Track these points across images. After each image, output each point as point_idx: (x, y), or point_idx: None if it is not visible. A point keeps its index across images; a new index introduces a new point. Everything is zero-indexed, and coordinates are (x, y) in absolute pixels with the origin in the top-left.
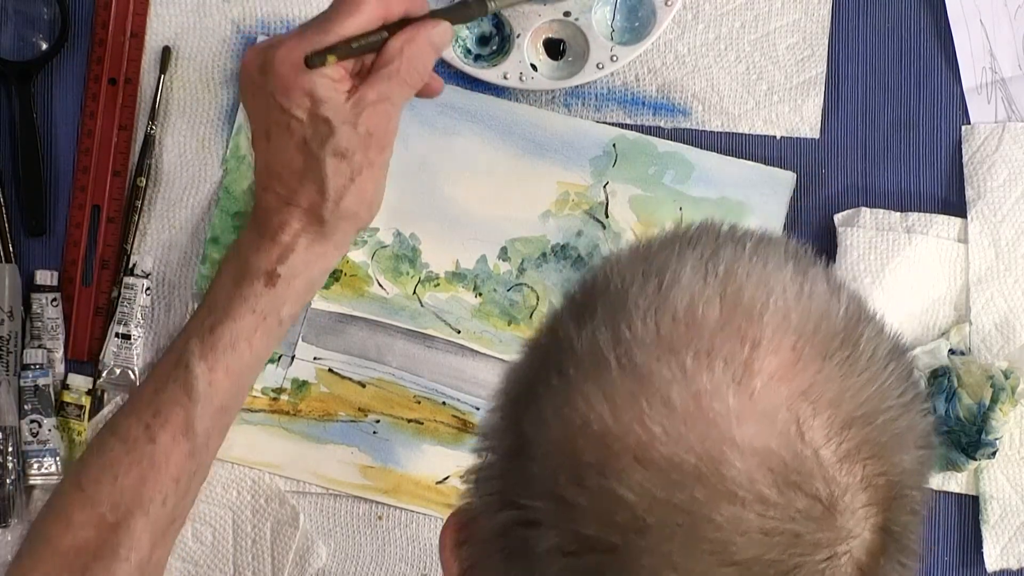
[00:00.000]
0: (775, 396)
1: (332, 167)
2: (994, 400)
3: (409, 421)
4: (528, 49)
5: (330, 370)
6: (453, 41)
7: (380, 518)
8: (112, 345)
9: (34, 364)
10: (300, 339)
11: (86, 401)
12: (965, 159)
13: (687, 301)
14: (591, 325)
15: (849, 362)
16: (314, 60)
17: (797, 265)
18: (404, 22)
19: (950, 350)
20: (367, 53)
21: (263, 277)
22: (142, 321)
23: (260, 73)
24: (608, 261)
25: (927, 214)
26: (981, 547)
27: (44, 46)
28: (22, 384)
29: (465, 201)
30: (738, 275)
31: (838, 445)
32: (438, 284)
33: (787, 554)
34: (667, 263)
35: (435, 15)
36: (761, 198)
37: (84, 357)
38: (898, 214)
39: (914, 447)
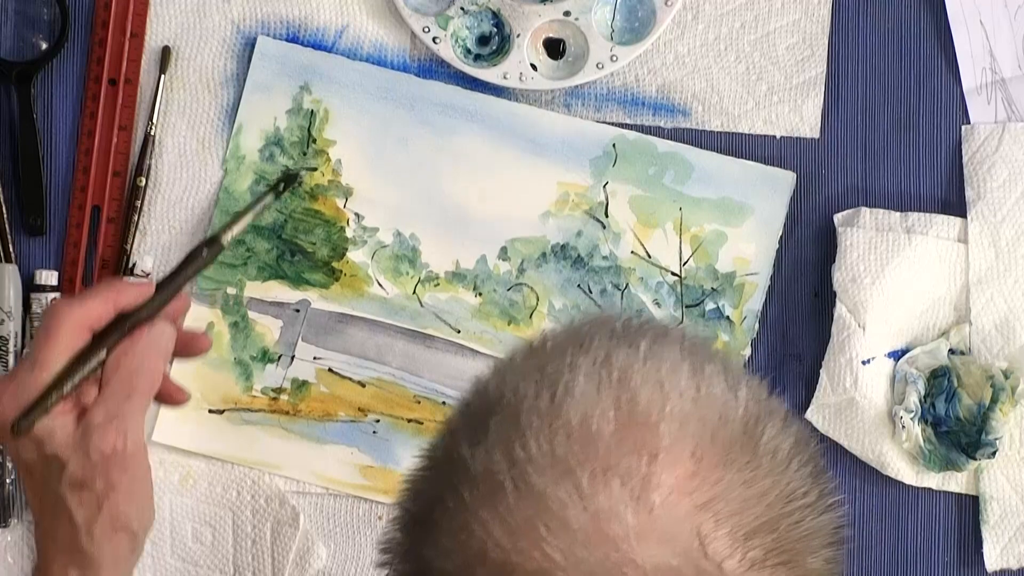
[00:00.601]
0: (675, 511)
1: (74, 501)
2: (994, 400)
3: (409, 421)
4: (528, 49)
5: (330, 370)
6: (454, 42)
7: (380, 518)
8: None
9: None
10: (300, 339)
11: None
12: (965, 159)
13: (581, 415)
14: (484, 445)
15: (751, 468)
16: (21, 426)
17: (694, 363)
18: (120, 321)
19: (950, 350)
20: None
21: None
22: None
23: None
24: (500, 367)
25: (927, 214)
26: (981, 547)
27: (44, 46)
28: None
29: (465, 201)
30: (633, 382)
31: (743, 555)
32: (438, 284)
33: None
34: (560, 372)
35: (160, 288)
36: (761, 198)
37: None
38: (898, 214)
39: (823, 547)
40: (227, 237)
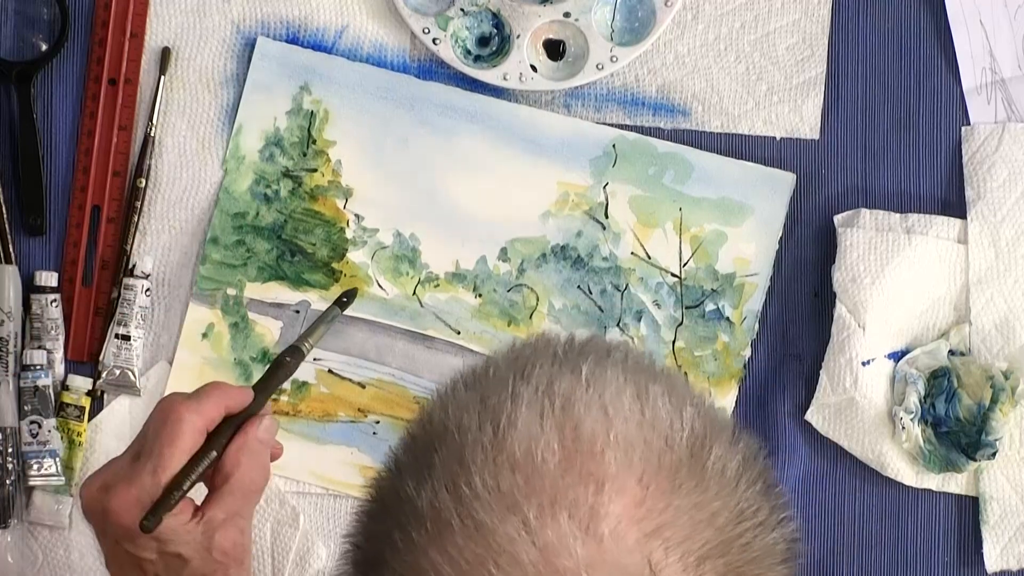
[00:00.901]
0: (625, 541)
1: None
2: (994, 401)
3: (409, 422)
4: (528, 50)
5: (330, 371)
6: (454, 42)
7: None
8: (112, 346)
9: (34, 365)
10: None
11: (86, 402)
12: (965, 159)
13: (525, 447)
14: (431, 483)
15: (699, 491)
16: (148, 524)
17: (637, 384)
18: (226, 422)
19: (950, 351)
20: (202, 479)
21: None
22: (142, 322)
23: (101, 519)
24: (443, 398)
25: (927, 215)
26: (981, 547)
27: (44, 46)
28: (22, 385)
29: (465, 201)
30: (576, 409)
31: None
32: (438, 285)
33: None
34: (502, 403)
35: (257, 391)
36: (761, 199)
37: (84, 358)
38: (898, 215)
39: (776, 564)
40: (307, 345)
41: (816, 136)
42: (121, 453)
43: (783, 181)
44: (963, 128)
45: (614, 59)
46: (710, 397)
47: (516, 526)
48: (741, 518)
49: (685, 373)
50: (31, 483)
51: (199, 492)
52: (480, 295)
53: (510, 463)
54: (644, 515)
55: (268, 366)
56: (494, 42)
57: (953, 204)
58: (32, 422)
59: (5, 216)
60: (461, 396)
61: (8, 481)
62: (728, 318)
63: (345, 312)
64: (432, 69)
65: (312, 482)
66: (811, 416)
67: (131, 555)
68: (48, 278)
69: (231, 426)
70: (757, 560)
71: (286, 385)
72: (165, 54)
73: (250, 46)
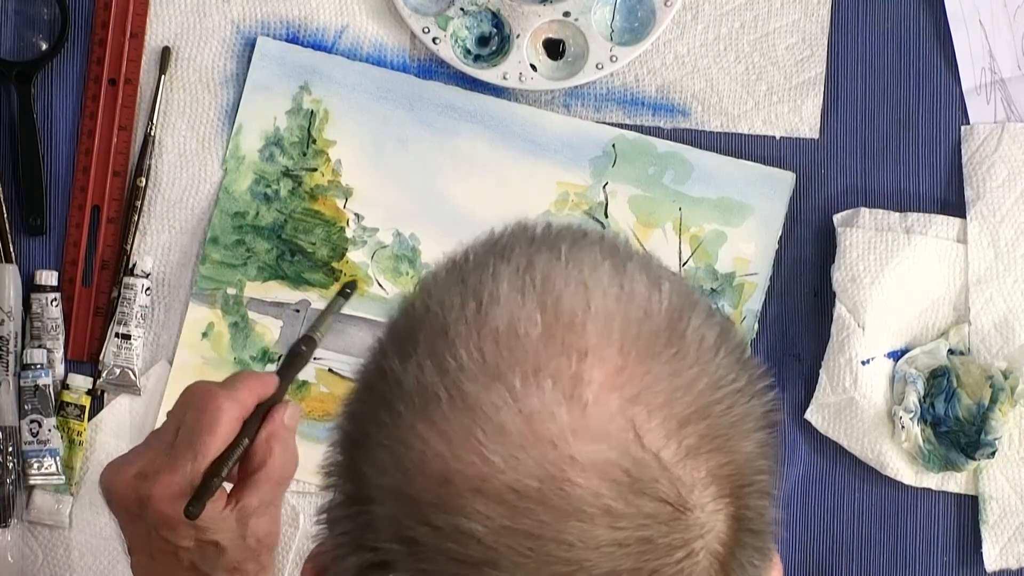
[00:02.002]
0: (608, 406)
1: None
2: (993, 400)
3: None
4: (528, 49)
5: (330, 370)
6: (454, 42)
7: None
8: (112, 345)
9: (34, 364)
10: None
11: (86, 401)
12: (964, 159)
13: (507, 320)
14: (415, 358)
15: (677, 358)
16: (194, 510)
17: (614, 262)
18: (255, 410)
19: (949, 350)
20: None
21: None
22: (142, 321)
23: (138, 507)
24: (425, 284)
25: (926, 214)
26: (980, 547)
27: (44, 46)
28: (22, 384)
29: (465, 201)
30: (556, 285)
31: (679, 444)
32: None
33: (643, 560)
34: (483, 282)
35: (281, 376)
36: (760, 198)
37: (84, 357)
38: (897, 214)
39: (754, 431)
40: (318, 335)
41: (816, 136)
42: (146, 441)
43: (783, 181)
44: (962, 128)
45: (614, 59)
46: (684, 278)
47: (501, 394)
48: (719, 385)
49: None
50: (31, 482)
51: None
52: None
53: (493, 336)
54: (625, 381)
55: (283, 356)
56: (494, 42)
57: (952, 204)
58: (32, 421)
59: (5, 216)
60: (441, 280)
61: (8, 480)
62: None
63: (345, 312)
64: (432, 69)
65: (312, 482)
66: (811, 415)
67: (167, 543)
68: (48, 277)
69: (259, 414)
70: (736, 424)
71: None
72: (165, 54)
73: (250, 46)
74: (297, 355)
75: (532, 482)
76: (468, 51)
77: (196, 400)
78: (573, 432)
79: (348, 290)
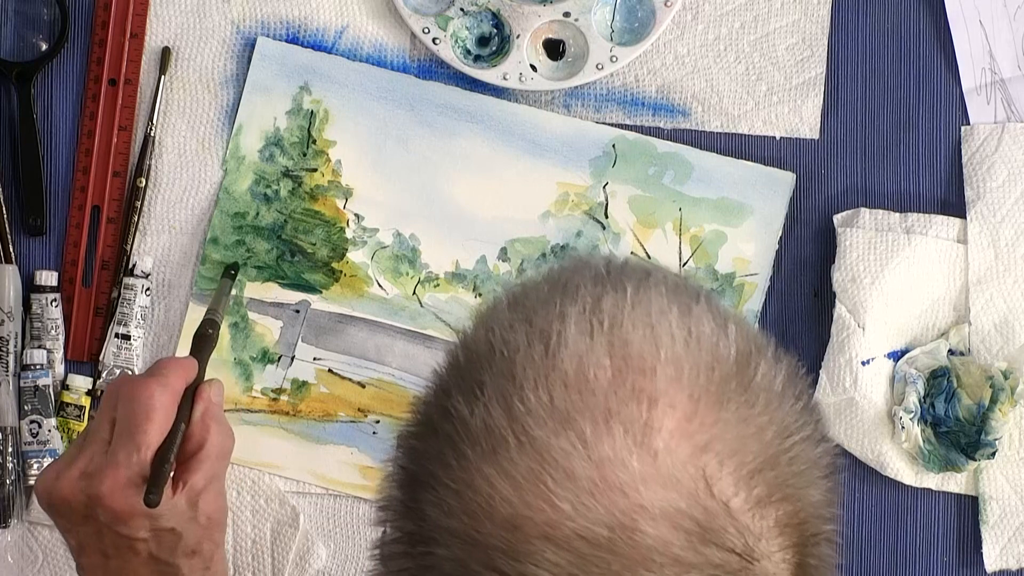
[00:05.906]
0: (678, 454)
1: (187, 567)
2: (993, 401)
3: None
4: (528, 50)
5: (330, 370)
6: (454, 42)
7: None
8: (112, 345)
9: (34, 364)
10: (300, 340)
11: (86, 401)
12: (964, 160)
13: (576, 364)
14: (482, 401)
15: (747, 405)
16: (155, 498)
17: (681, 304)
18: (186, 393)
19: (949, 351)
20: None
21: None
22: (142, 321)
23: (86, 507)
24: (485, 320)
25: (926, 215)
26: (980, 547)
27: (44, 46)
28: (22, 384)
29: (465, 201)
30: (624, 327)
31: (748, 493)
32: (438, 285)
33: None
34: (550, 323)
35: (197, 358)
36: (761, 199)
37: (84, 357)
38: (897, 215)
39: (820, 478)
40: (219, 316)
41: (816, 136)
42: (78, 443)
43: (783, 181)
44: (963, 128)
45: (614, 59)
46: (748, 318)
47: (571, 441)
48: (788, 433)
49: None
50: (31, 483)
51: None
52: (480, 295)
53: (562, 380)
54: (695, 429)
55: (193, 339)
56: (494, 42)
57: (953, 204)
58: (32, 421)
59: (5, 216)
60: (504, 316)
61: (8, 481)
62: None
63: (345, 312)
64: (432, 69)
65: (312, 482)
66: None
67: (123, 537)
68: (48, 278)
69: (189, 397)
70: (803, 473)
71: (286, 385)
72: (165, 54)
73: (250, 46)
74: (206, 336)
75: (602, 530)
76: (468, 51)
77: (127, 393)
78: (643, 480)
79: (232, 271)
